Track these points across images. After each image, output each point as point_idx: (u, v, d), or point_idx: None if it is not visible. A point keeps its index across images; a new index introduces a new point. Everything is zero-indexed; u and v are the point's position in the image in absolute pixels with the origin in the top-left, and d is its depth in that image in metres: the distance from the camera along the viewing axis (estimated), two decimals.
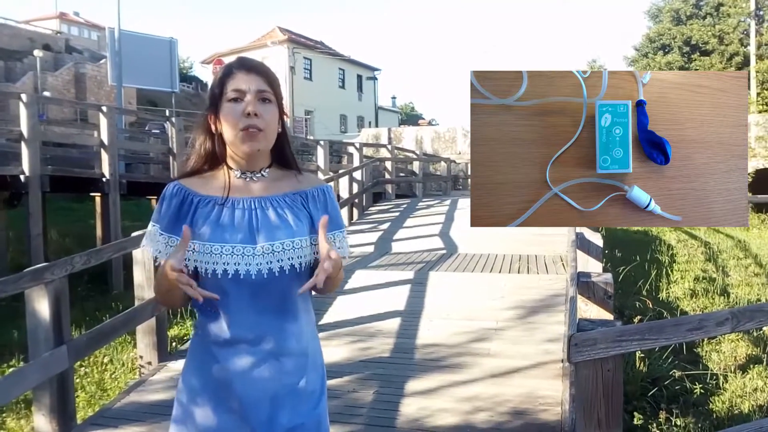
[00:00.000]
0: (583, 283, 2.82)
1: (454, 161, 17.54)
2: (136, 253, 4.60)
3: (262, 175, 1.56)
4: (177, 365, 4.54)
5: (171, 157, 10.45)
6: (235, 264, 1.46)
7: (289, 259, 1.49)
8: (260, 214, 1.51)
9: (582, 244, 3.82)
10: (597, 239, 3.92)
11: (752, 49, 27.54)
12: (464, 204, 12.20)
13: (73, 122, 22.90)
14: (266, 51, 37.99)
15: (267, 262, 1.47)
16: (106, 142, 9.21)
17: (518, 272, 6.70)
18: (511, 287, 6.02)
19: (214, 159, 1.55)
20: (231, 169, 1.55)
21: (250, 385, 1.50)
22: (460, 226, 9.46)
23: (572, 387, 2.69)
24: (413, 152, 17.28)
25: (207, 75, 41.60)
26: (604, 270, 4.93)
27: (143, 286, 4.60)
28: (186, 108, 40.09)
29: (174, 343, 5.56)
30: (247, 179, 1.54)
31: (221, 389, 1.51)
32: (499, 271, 6.75)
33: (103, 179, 9.30)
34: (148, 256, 4.56)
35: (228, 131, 1.49)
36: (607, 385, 2.14)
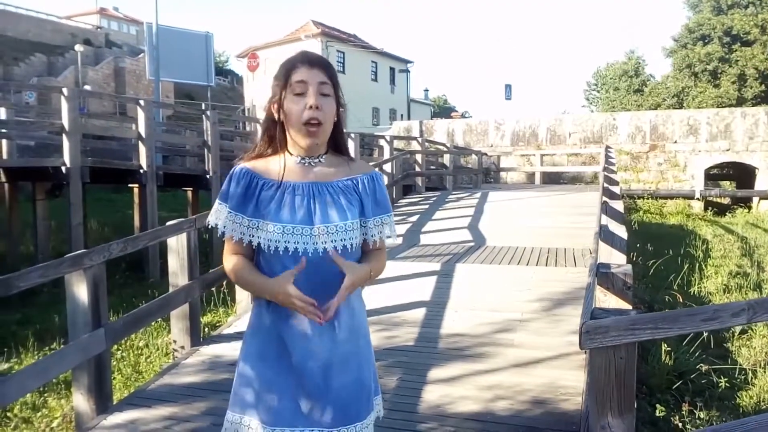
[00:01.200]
0: (602, 274, 2.84)
1: (486, 154, 17.47)
2: (171, 242, 4.76)
3: (320, 161, 1.71)
4: (209, 350, 4.70)
5: (206, 150, 10.67)
6: (294, 242, 1.63)
7: (341, 240, 1.65)
8: (317, 198, 1.66)
9: (606, 236, 3.82)
10: (621, 231, 3.92)
11: None
12: (494, 197, 12.19)
13: (113, 115, 23.52)
14: (300, 44, 38.27)
15: (322, 242, 1.63)
16: (143, 134, 9.47)
17: (546, 265, 6.71)
18: (537, 280, 6.04)
19: (277, 144, 1.71)
20: (292, 155, 1.70)
21: (306, 353, 1.66)
22: (489, 219, 9.46)
23: (588, 375, 2.72)
24: (444, 145, 17.26)
25: (242, 68, 42.09)
26: (633, 263, 4.91)
27: (177, 273, 4.77)
28: (222, 101, 40.72)
29: (207, 329, 5.74)
30: (306, 164, 1.70)
31: (281, 358, 1.68)
32: (527, 264, 6.76)
33: (141, 171, 9.57)
34: (183, 243, 4.75)
35: (292, 122, 1.65)
36: (620, 372, 2.17)
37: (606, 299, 2.89)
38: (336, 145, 1.75)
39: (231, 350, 4.68)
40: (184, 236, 4.75)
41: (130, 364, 5.08)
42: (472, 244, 7.88)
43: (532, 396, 3.67)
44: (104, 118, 19.41)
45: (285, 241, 1.63)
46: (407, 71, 46.06)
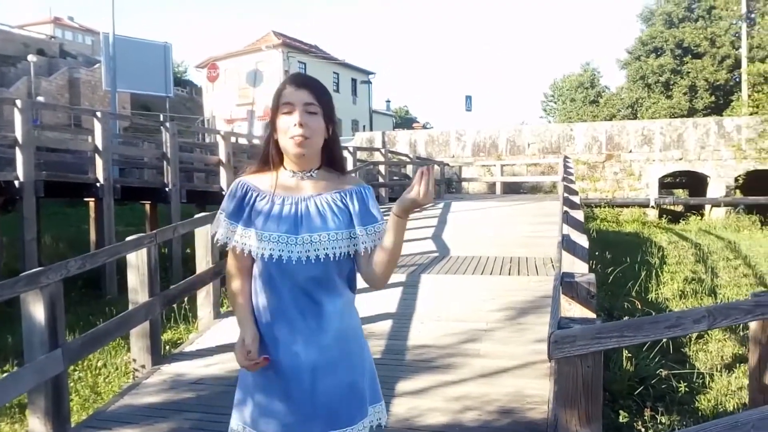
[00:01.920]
0: (566, 283, 2.88)
1: (448, 164, 17.63)
2: (131, 257, 4.64)
3: (312, 175, 1.82)
4: (171, 369, 4.59)
5: (165, 162, 10.48)
6: (279, 250, 1.73)
7: (325, 249, 1.74)
8: (304, 210, 1.77)
9: (568, 245, 3.89)
10: (583, 240, 3.99)
11: (743, 52, 27.73)
12: (457, 207, 12.29)
13: (67, 127, 22.90)
14: (261, 55, 38.09)
15: (306, 251, 1.73)
16: (100, 147, 9.23)
17: (508, 274, 6.78)
18: (501, 289, 6.09)
19: (274, 160, 1.83)
20: (286, 169, 1.82)
21: (295, 355, 1.74)
22: (452, 229, 9.53)
23: (555, 384, 2.75)
24: (407, 155, 17.36)
25: (201, 79, 41.63)
26: (593, 271, 5.00)
27: (137, 290, 4.65)
28: (180, 112, 40.09)
29: (168, 347, 5.60)
30: (299, 178, 1.81)
31: (270, 363, 1.75)
32: (490, 273, 6.82)
33: (97, 184, 9.32)
34: (143, 259, 4.64)
35: (281, 138, 1.77)
36: (587, 381, 2.20)
37: (571, 308, 2.94)
38: (330, 160, 1.85)
39: (194, 368, 4.59)
40: (144, 251, 4.65)
41: (87, 385, 4.91)
42: (436, 254, 7.91)
43: (499, 406, 3.69)
44: (58, 130, 18.89)
45: (270, 249, 1.73)
46: (369, 82, 46.25)
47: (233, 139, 12.73)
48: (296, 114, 1.73)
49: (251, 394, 1.79)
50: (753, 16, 29.55)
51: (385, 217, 1.80)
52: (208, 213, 6.02)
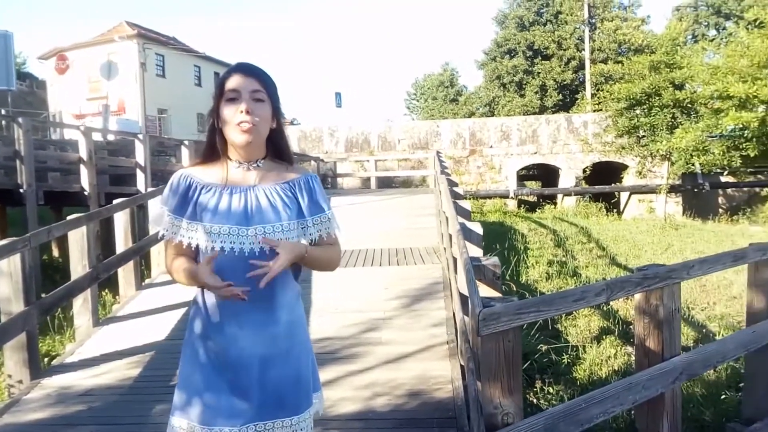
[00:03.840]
0: (475, 267, 3.06)
1: (323, 160, 17.69)
2: (2, 264, 4.22)
3: (258, 165, 1.78)
4: (53, 382, 4.25)
5: (18, 161, 9.53)
6: (231, 242, 1.70)
7: (278, 240, 1.71)
8: (254, 200, 1.74)
9: (465, 232, 4.11)
10: (478, 228, 4.24)
11: (587, 54, 30.47)
12: (336, 202, 12.37)
13: None
14: (114, 46, 35.52)
15: (258, 243, 1.70)
16: None
17: (397, 264, 6.99)
18: (393, 279, 6.27)
19: (217, 151, 1.77)
20: (231, 160, 1.77)
21: (242, 349, 1.73)
22: None
23: (470, 362, 2.92)
24: None
25: (44, 71, 38.13)
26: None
27: (11, 300, 4.24)
28: (21, 107, 36.39)
29: (46, 359, 5.16)
30: (245, 169, 1.77)
31: (217, 353, 1.74)
32: (380, 265, 6.99)
33: None
34: (16, 265, 4.25)
35: (226, 127, 1.72)
36: (509, 355, 2.37)
37: (478, 289, 3.12)
38: (276, 150, 1.82)
39: (80, 380, 4.27)
40: (17, 257, 4.24)
41: None
42: None
43: (407, 389, 3.82)
44: None
45: (221, 241, 1.70)
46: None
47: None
48: (242, 101, 1.69)
49: (197, 391, 1.74)
50: (594, 21, 32.58)
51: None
52: (81, 215, 5.60)
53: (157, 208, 1.78)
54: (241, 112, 1.68)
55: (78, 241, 5.44)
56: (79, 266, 5.44)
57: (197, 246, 1.75)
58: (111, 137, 15.04)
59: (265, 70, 1.79)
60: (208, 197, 1.74)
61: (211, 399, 1.73)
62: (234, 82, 1.71)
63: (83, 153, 10.57)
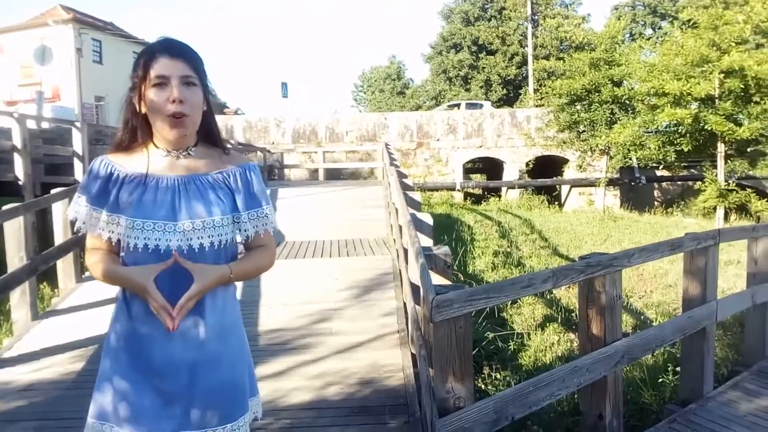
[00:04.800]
0: (427, 256, 3.12)
1: (269, 151, 17.46)
2: None
3: (189, 153, 1.61)
4: None
5: None
6: (156, 239, 1.53)
7: (209, 236, 1.57)
8: (183, 193, 1.57)
9: (415, 222, 4.16)
10: (428, 219, 4.31)
11: (530, 50, 31.14)
12: (284, 194, 12.28)
13: None
14: (47, 30, 33.97)
15: (187, 239, 1.55)
16: None
17: (347, 255, 7.00)
18: (342, 270, 6.29)
19: (142, 137, 1.60)
20: (157, 147, 1.60)
21: (170, 354, 1.57)
22: (284, 216, 9.53)
23: (422, 348, 2.97)
24: (228, 141, 16.84)
25: None
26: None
27: None
28: None
29: None
30: (174, 157, 1.60)
31: (142, 357, 1.57)
32: (330, 256, 6.99)
33: None
34: None
35: (154, 116, 1.54)
36: (460, 340, 2.43)
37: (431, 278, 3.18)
38: (207, 136, 1.66)
39: (19, 375, 4.13)
40: None
41: None
42: None
43: (359, 378, 3.86)
44: None
45: (145, 238, 1.53)
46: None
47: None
48: (172, 88, 1.51)
49: (121, 395, 1.58)
50: (536, 18, 33.29)
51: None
52: (18, 204, 5.38)
53: (75, 196, 1.61)
54: (173, 102, 1.51)
55: (14, 231, 5.22)
56: (15, 258, 5.22)
57: (118, 241, 1.58)
58: (45, 125, 14.42)
59: (191, 47, 1.60)
60: (131, 188, 1.57)
61: (136, 405, 1.57)
62: (161, 67, 1.52)
63: (17, 141, 10.11)
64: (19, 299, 5.25)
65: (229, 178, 1.63)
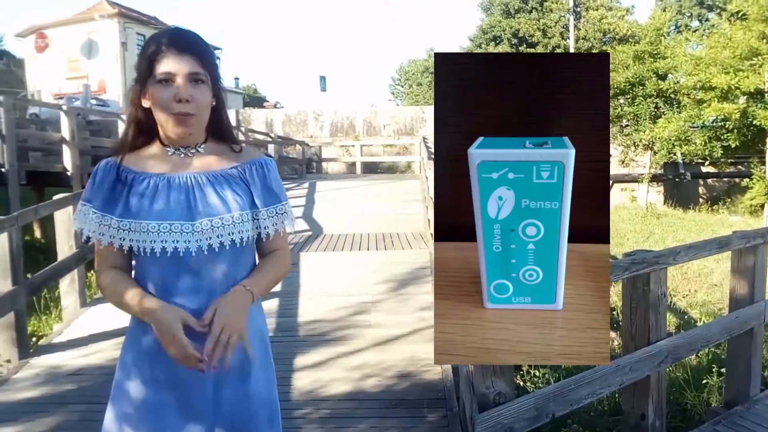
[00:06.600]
0: None
1: (308, 144, 17.61)
2: None
3: (198, 150, 1.51)
4: (42, 362, 4.25)
5: (0, 140, 9.37)
6: (173, 242, 1.42)
7: (229, 234, 1.46)
8: (198, 191, 1.47)
9: None
10: None
11: (571, 43, 30.57)
12: (322, 186, 12.38)
13: None
14: (94, 25, 34.85)
15: (207, 239, 1.44)
16: None
17: (385, 249, 7.03)
18: (380, 263, 6.32)
19: (148, 133, 1.50)
20: (165, 145, 1.50)
21: (192, 370, 1.41)
22: (322, 208, 9.61)
23: None
24: (268, 135, 17.06)
25: (22, 49, 37.32)
26: None
27: None
28: None
29: (33, 339, 5.14)
30: (183, 155, 1.50)
31: (161, 369, 1.46)
32: (367, 249, 7.03)
33: None
34: (3, 244, 4.24)
35: (159, 114, 1.44)
36: None
37: None
38: (217, 131, 1.55)
39: (69, 359, 4.28)
40: (5, 236, 4.22)
41: None
42: (310, 233, 7.96)
43: (397, 371, 3.88)
44: None
45: (162, 241, 1.42)
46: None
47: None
48: (178, 86, 1.41)
49: (140, 408, 1.48)
50: (579, 10, 32.67)
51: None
52: (68, 194, 5.56)
53: (79, 206, 1.50)
54: (179, 101, 1.41)
55: (65, 221, 5.39)
56: (65, 246, 5.40)
57: (130, 248, 1.46)
58: (93, 117, 14.83)
59: (200, 39, 1.49)
60: (141, 189, 1.46)
61: (157, 418, 1.47)
62: (167, 63, 1.41)
63: (66, 133, 10.44)
64: (68, 286, 5.43)
65: (245, 172, 1.53)
